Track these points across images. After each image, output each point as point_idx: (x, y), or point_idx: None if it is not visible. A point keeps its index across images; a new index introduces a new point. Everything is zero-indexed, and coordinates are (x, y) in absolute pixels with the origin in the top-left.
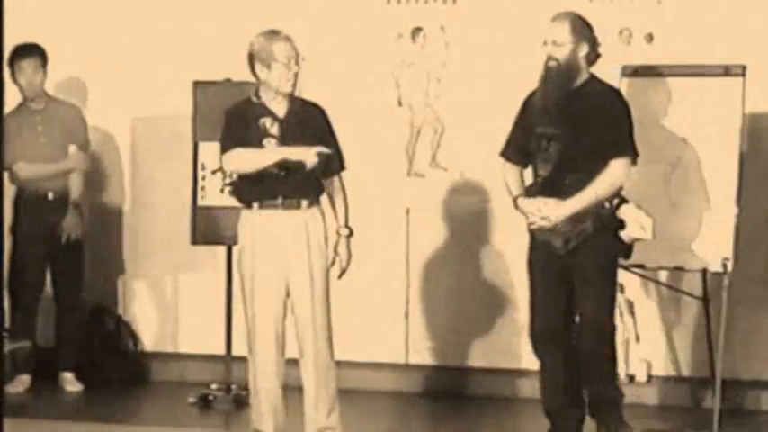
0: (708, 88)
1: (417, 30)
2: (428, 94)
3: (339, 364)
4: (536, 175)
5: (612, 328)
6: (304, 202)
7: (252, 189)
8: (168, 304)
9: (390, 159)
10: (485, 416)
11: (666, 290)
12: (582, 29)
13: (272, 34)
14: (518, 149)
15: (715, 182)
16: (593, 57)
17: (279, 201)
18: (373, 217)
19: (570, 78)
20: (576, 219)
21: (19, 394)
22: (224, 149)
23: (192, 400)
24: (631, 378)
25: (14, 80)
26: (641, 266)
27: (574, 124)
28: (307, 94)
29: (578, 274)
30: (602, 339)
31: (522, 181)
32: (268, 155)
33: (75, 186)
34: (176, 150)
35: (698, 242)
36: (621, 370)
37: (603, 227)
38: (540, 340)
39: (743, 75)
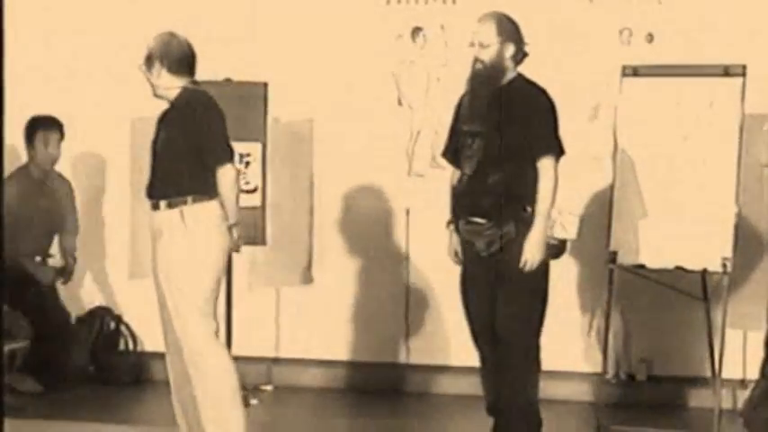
0: (708, 88)
1: (417, 29)
2: (428, 94)
3: (340, 364)
4: (462, 173)
5: (529, 335)
6: (162, 203)
7: None
8: None
9: (390, 159)
10: (484, 417)
11: (666, 290)
12: (508, 29)
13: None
14: (452, 150)
15: (715, 182)
16: (521, 56)
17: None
18: (373, 217)
19: (496, 79)
20: (499, 221)
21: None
22: None
23: None
24: (631, 378)
25: (33, 148)
26: (642, 267)
27: (497, 122)
28: (306, 94)
29: (499, 277)
30: (515, 345)
31: None
32: None
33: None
34: None
35: (698, 242)
36: (622, 370)
37: (526, 230)
38: (478, 338)
39: (743, 75)
